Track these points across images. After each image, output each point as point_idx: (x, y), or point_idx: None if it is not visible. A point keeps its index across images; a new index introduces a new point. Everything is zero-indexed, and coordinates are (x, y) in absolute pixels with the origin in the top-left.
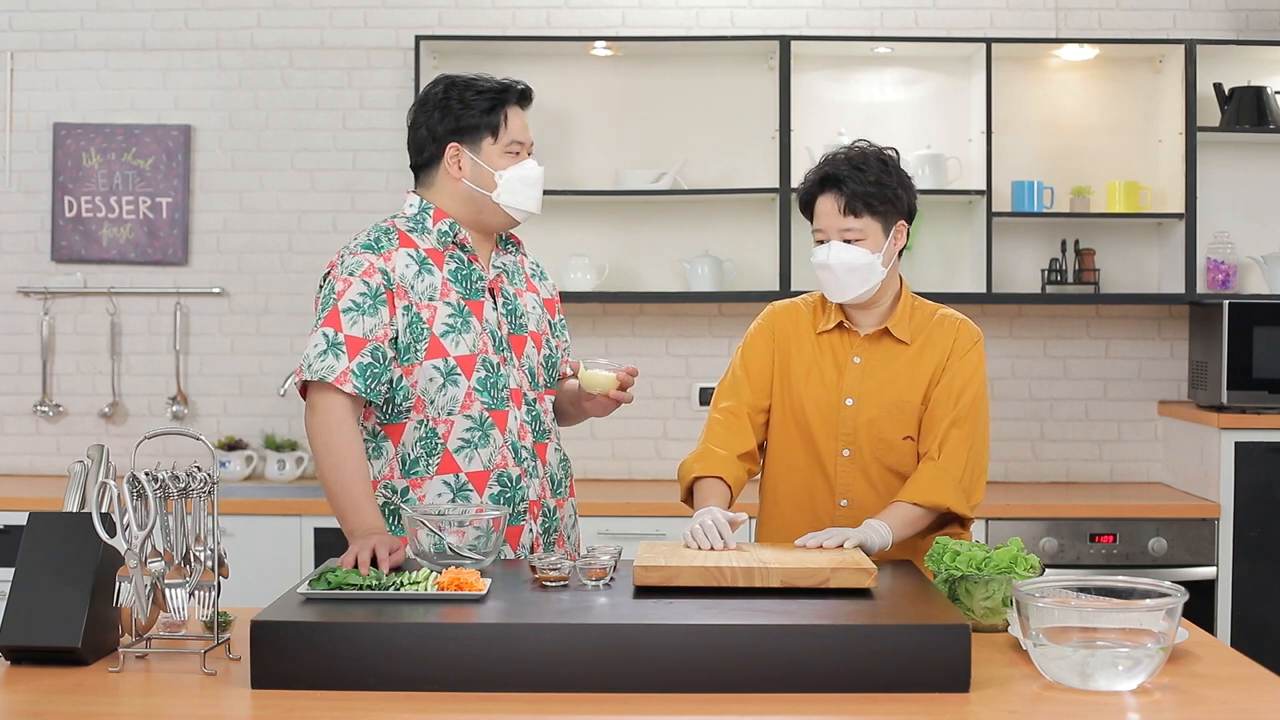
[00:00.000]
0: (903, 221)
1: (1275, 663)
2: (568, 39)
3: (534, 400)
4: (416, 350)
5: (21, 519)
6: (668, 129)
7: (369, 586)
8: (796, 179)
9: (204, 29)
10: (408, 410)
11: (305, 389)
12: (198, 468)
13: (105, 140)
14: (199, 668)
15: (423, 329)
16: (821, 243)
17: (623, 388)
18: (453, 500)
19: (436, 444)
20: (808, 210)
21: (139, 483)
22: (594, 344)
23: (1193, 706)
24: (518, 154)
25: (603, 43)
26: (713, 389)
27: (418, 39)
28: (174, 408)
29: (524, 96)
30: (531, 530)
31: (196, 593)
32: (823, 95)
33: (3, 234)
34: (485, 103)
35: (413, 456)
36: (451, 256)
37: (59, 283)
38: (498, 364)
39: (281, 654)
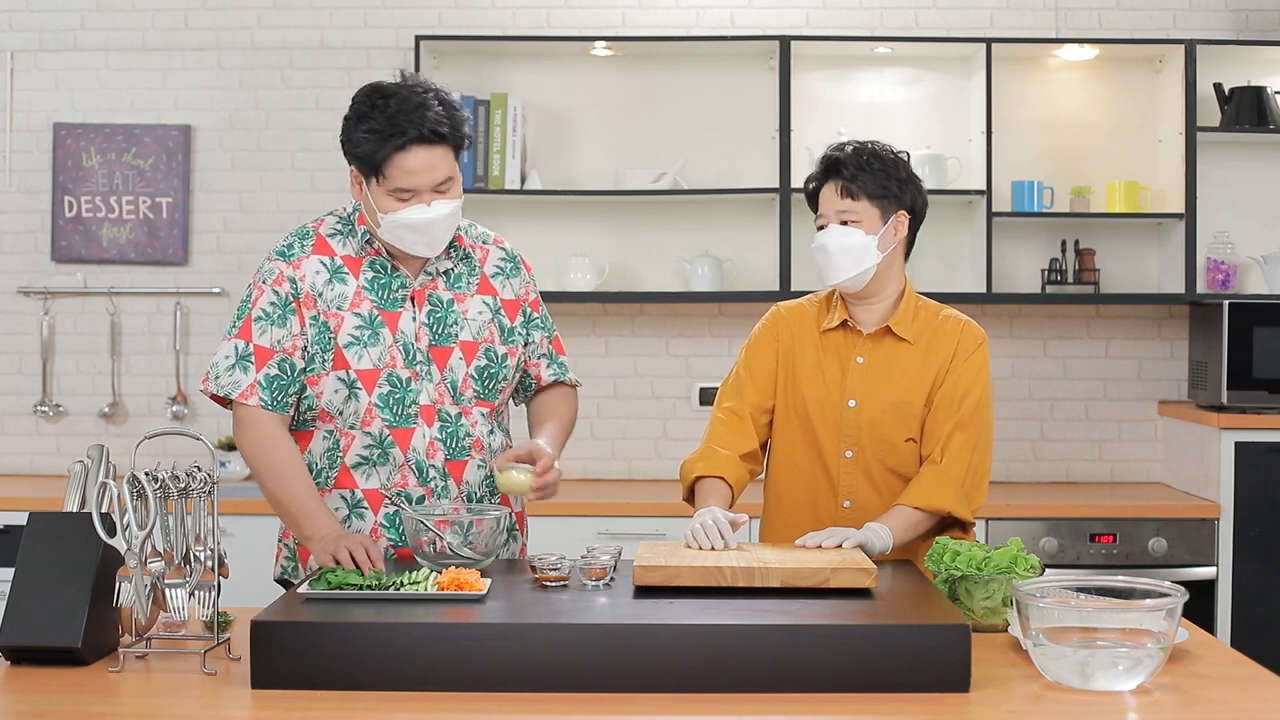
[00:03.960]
0: (904, 213)
1: (1275, 663)
2: (568, 39)
3: (455, 415)
4: (324, 360)
5: (21, 519)
6: (668, 129)
7: (369, 586)
8: (796, 179)
9: (204, 29)
10: (313, 420)
11: (217, 397)
12: (198, 468)
13: (105, 140)
14: (199, 668)
15: (330, 339)
16: (821, 228)
17: (543, 475)
18: (347, 518)
19: (337, 457)
20: (814, 201)
21: (139, 483)
22: (594, 344)
23: (1193, 706)
24: (406, 200)
25: (603, 43)
26: (713, 389)
27: (418, 39)
28: (174, 408)
29: (427, 138)
30: None
31: (196, 593)
32: (823, 95)
33: (3, 234)
34: (370, 144)
35: (318, 467)
36: (371, 264)
37: (59, 283)
38: (407, 379)
39: (281, 654)
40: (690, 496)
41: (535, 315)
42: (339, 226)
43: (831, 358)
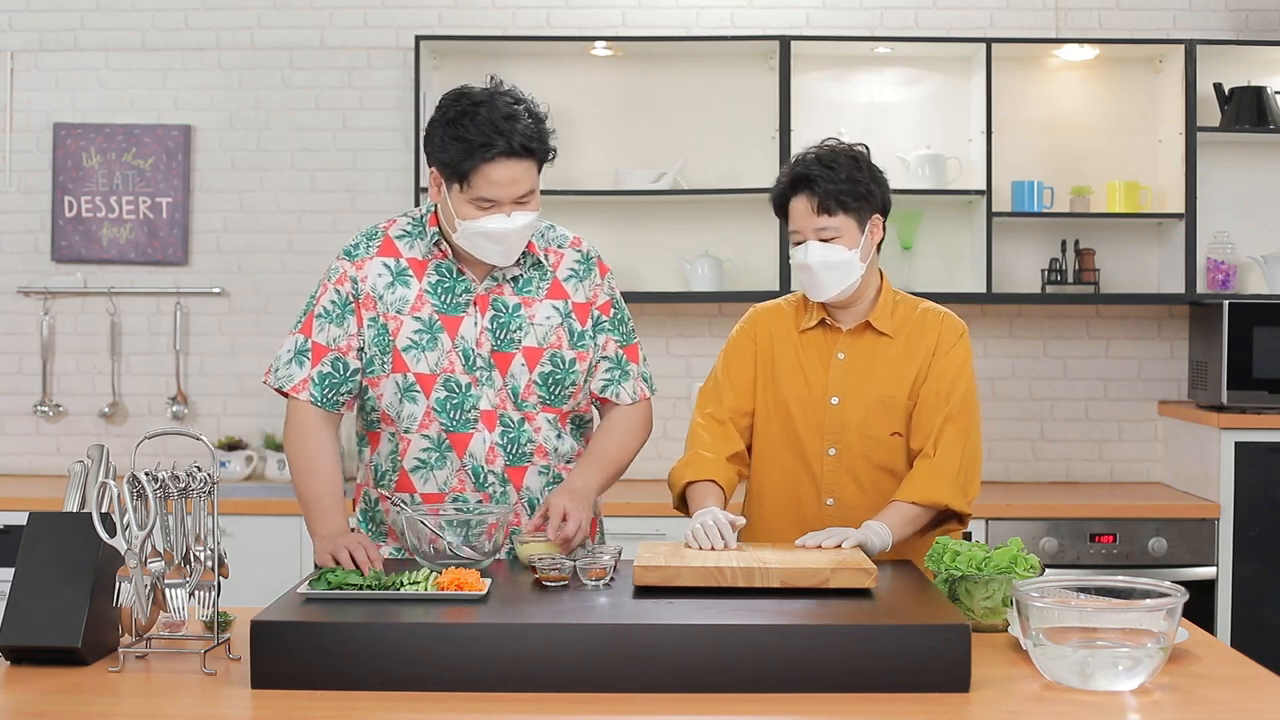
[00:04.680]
0: (877, 216)
1: (1275, 663)
2: (568, 39)
3: (518, 421)
4: (383, 363)
5: (22, 519)
6: (668, 129)
7: (369, 586)
8: None
9: (204, 29)
10: (378, 422)
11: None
12: (198, 468)
13: (105, 140)
14: (199, 668)
15: (389, 342)
16: (799, 244)
17: (559, 538)
18: None
19: (397, 460)
20: (781, 212)
21: (139, 483)
22: None
23: (1193, 706)
24: (487, 209)
25: (603, 43)
26: None
27: (418, 39)
28: (174, 408)
29: (516, 152)
30: None
31: (196, 593)
32: (823, 95)
33: (3, 234)
34: (457, 152)
35: (383, 469)
36: (437, 267)
37: (59, 283)
38: (467, 384)
39: (281, 654)
40: (681, 505)
41: (604, 318)
42: (409, 228)
43: (812, 355)
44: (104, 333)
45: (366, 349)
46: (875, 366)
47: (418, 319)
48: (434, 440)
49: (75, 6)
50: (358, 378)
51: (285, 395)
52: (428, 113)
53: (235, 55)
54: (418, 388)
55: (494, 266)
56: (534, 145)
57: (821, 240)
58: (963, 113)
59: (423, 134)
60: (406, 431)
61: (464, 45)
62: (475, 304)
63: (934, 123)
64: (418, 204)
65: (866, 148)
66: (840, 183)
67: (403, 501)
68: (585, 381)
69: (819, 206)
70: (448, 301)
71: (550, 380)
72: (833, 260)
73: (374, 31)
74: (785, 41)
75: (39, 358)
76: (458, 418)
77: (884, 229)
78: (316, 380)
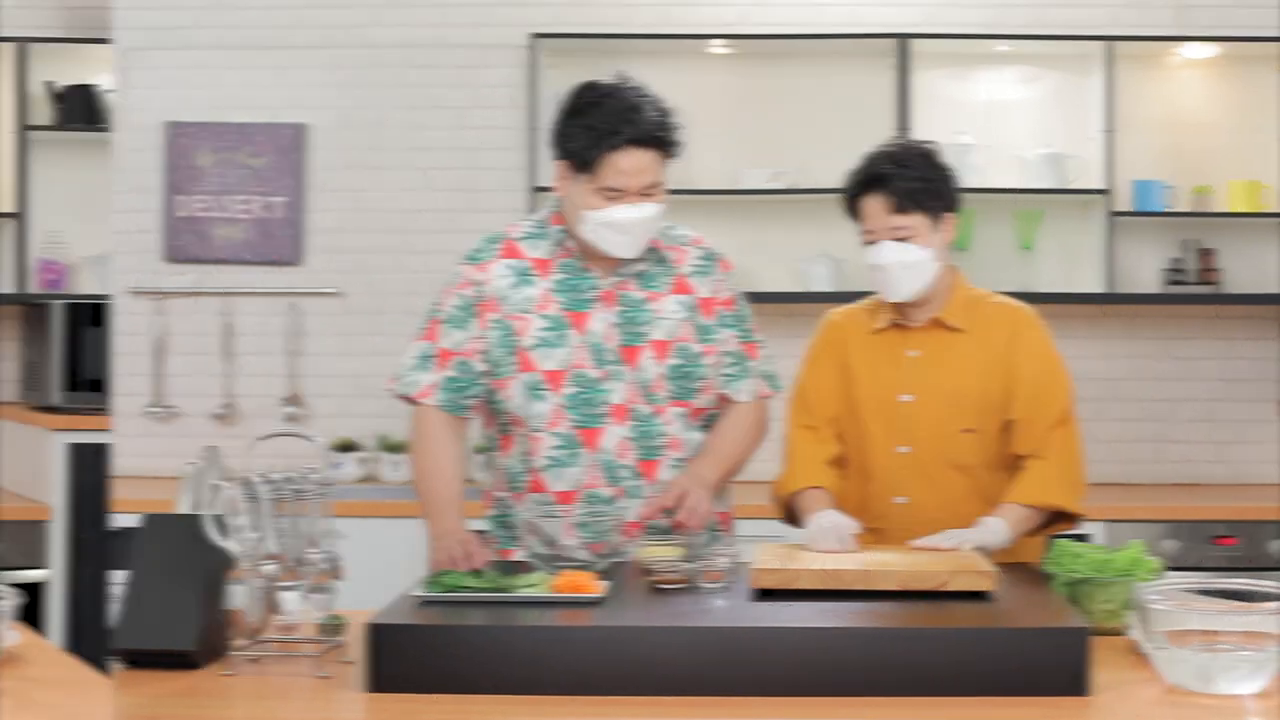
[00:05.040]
0: (950, 214)
1: None
2: (685, 37)
3: (650, 415)
4: (510, 364)
5: (135, 521)
6: (785, 128)
7: (485, 589)
8: None
9: (318, 27)
10: (509, 424)
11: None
12: (312, 470)
13: (217, 139)
14: (312, 671)
15: (514, 342)
16: (872, 243)
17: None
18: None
19: (530, 461)
20: (852, 211)
21: (252, 485)
22: None
23: None
24: (613, 199)
25: (720, 40)
26: None
27: (534, 37)
28: (288, 409)
29: (643, 140)
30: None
31: (310, 595)
32: (942, 93)
33: (115, 234)
34: (584, 140)
35: (514, 470)
36: (562, 265)
37: (171, 283)
38: (597, 379)
39: (397, 657)
40: (788, 517)
41: (726, 313)
42: (531, 229)
43: (884, 355)
44: (217, 333)
45: (491, 351)
46: (948, 363)
47: (545, 316)
48: (564, 437)
49: (188, 5)
50: (484, 381)
51: (411, 402)
52: (544, 111)
53: (349, 53)
54: (546, 385)
55: (619, 261)
56: (660, 135)
57: (897, 239)
58: (1083, 111)
59: (542, 132)
60: (536, 430)
61: (580, 43)
62: (602, 299)
63: (1054, 121)
64: (533, 205)
65: (938, 145)
66: (914, 180)
67: (538, 503)
68: (713, 376)
69: (896, 206)
70: (574, 298)
71: (680, 373)
72: (908, 260)
73: (490, 30)
74: (904, 39)
75: (151, 359)
76: (588, 413)
77: (955, 227)
78: (443, 385)
